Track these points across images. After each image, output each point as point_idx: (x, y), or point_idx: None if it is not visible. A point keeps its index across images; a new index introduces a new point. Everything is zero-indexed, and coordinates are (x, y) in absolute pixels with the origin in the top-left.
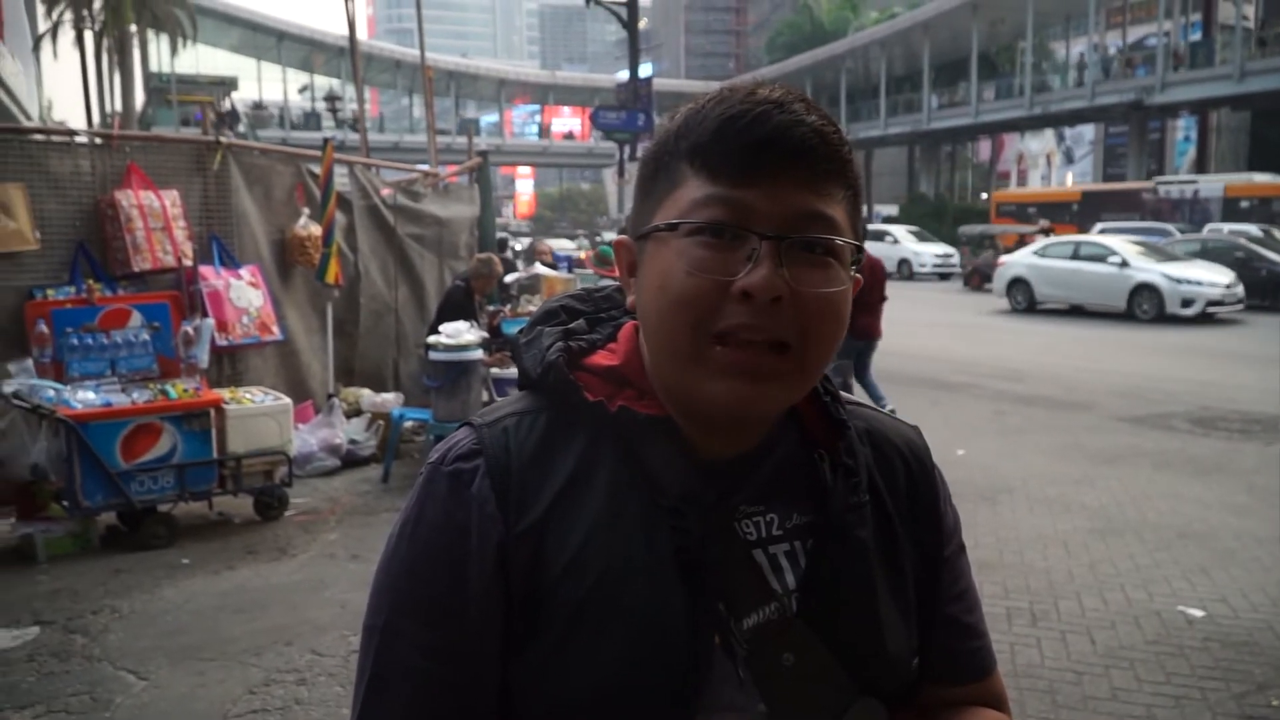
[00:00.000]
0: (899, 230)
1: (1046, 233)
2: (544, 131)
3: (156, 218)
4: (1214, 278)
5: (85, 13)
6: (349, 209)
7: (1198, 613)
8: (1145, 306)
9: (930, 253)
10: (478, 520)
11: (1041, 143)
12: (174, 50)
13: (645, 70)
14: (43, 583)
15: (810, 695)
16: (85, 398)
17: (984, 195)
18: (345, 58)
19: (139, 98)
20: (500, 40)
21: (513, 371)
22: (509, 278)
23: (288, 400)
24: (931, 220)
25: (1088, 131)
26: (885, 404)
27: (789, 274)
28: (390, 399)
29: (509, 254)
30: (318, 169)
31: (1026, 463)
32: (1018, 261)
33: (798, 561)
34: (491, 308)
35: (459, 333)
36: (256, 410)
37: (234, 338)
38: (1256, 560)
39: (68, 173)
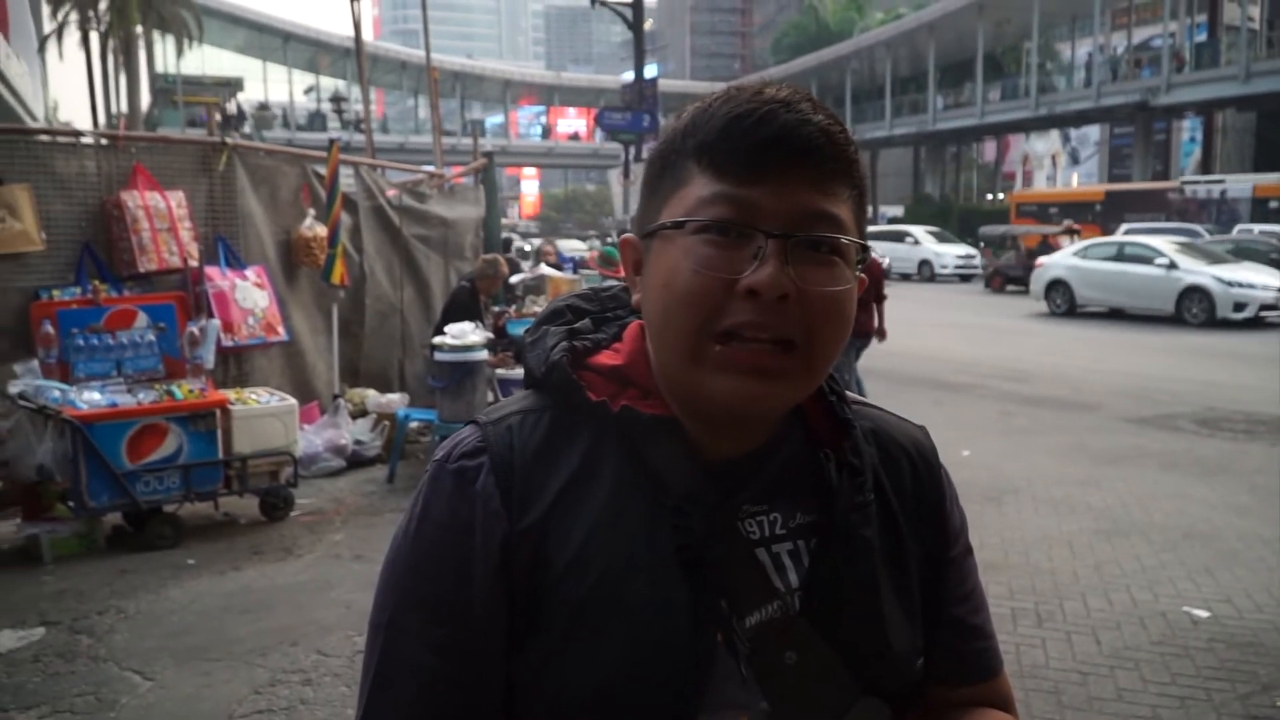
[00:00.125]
0: (919, 231)
1: (1072, 233)
2: (549, 132)
3: (162, 218)
4: (1266, 280)
5: (91, 13)
6: (354, 210)
7: (1203, 613)
8: (1195, 310)
9: (952, 254)
10: (482, 517)
11: (1047, 143)
12: (179, 51)
13: (650, 71)
14: (48, 583)
15: (812, 694)
16: (91, 398)
17: (989, 196)
18: (351, 59)
19: (144, 99)
20: (505, 41)
21: (518, 372)
22: (514, 278)
23: (293, 401)
24: (937, 221)
25: (1093, 132)
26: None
27: (795, 272)
28: (395, 399)
29: (514, 253)
30: (323, 170)
31: (1032, 463)
32: (1057, 263)
33: (801, 560)
34: (496, 308)
35: (464, 333)
36: (262, 411)
37: (239, 338)
38: (1261, 561)
39: (73, 173)
